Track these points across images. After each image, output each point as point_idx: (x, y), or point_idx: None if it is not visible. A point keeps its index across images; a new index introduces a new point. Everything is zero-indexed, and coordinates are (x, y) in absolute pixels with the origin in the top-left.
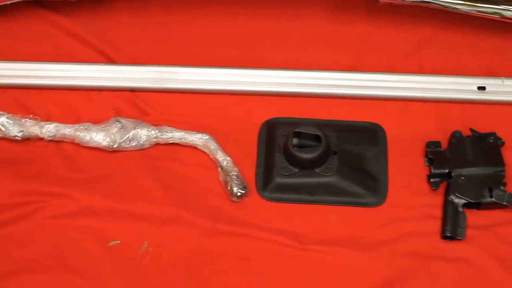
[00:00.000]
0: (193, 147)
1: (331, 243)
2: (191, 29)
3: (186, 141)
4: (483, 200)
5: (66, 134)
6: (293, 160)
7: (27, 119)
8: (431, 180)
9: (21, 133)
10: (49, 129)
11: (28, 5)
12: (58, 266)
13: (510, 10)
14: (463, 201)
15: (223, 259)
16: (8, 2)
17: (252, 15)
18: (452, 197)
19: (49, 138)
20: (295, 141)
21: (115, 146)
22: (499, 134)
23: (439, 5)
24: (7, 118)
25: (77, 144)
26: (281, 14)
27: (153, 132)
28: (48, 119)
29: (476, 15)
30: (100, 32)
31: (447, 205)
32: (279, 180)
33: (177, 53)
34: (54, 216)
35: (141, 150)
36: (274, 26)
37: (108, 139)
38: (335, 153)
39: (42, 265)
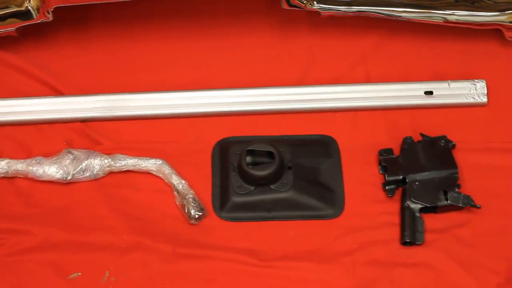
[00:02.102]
0: (147, 173)
1: (292, 258)
2: (137, 55)
3: (140, 168)
4: (439, 204)
5: (18, 170)
6: (248, 178)
7: None
8: (386, 187)
9: None
10: (1, 166)
11: None
12: None
13: (454, 14)
14: (420, 206)
15: (185, 283)
16: None
17: (195, 36)
18: (409, 202)
19: (2, 175)
20: (248, 159)
21: (69, 178)
22: (449, 137)
23: (381, 14)
24: None
25: (31, 179)
26: (225, 33)
27: (106, 161)
28: None
29: (420, 21)
30: (46, 65)
31: (404, 211)
32: (235, 199)
33: (125, 81)
34: (13, 253)
35: (96, 180)
36: (220, 46)
37: (61, 172)
38: (289, 168)
39: None
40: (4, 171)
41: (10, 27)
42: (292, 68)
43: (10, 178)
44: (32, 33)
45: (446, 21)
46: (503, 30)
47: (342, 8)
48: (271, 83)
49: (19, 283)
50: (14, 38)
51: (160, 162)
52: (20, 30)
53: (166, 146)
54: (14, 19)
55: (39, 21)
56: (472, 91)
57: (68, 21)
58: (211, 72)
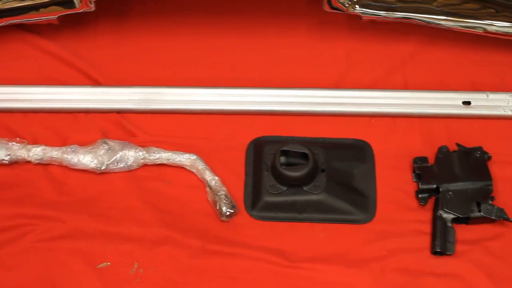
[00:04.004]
0: (181, 168)
1: (320, 260)
2: (174, 49)
3: (173, 162)
4: (472, 215)
5: (53, 157)
6: (281, 179)
7: (14, 143)
8: (419, 195)
9: (8, 157)
10: (36, 152)
11: (12, 29)
12: None
13: (494, 25)
14: (452, 216)
15: (213, 279)
16: None
17: (236, 34)
18: (441, 212)
19: (37, 161)
20: (282, 159)
21: (103, 168)
22: (485, 148)
23: (422, 21)
24: None
25: (65, 167)
26: (264, 33)
27: (140, 153)
28: (35, 142)
29: (460, 30)
30: (85, 55)
31: (436, 220)
32: (267, 198)
33: (162, 74)
34: (43, 240)
35: (129, 172)
36: (257, 45)
37: (95, 161)
38: (323, 170)
39: None
40: (39, 157)
41: (52, 15)
42: (330, 71)
43: (44, 165)
44: (72, 22)
45: (486, 31)
46: None
47: (385, 13)
48: (308, 84)
49: (47, 270)
50: (55, 26)
51: (194, 157)
52: (61, 18)
53: (200, 142)
54: (57, 7)
55: (81, 10)
56: (510, 104)
57: (108, 12)
58: (248, 70)
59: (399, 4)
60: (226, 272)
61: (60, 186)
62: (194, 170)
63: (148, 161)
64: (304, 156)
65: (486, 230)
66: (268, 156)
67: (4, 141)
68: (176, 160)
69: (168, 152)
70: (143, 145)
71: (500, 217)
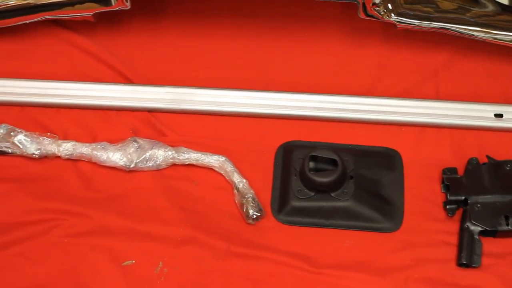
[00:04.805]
0: (209, 169)
1: (345, 267)
2: (209, 50)
3: (202, 163)
4: (499, 228)
5: (83, 153)
6: (309, 184)
7: (45, 137)
8: (447, 206)
9: (39, 151)
10: (66, 148)
11: (47, 24)
12: (72, 285)
13: None
14: (479, 228)
15: (237, 281)
16: (27, 21)
17: (269, 38)
18: (468, 224)
19: (66, 157)
20: (311, 164)
21: (131, 166)
22: None
23: (456, 31)
24: (25, 136)
25: (94, 163)
26: (298, 37)
27: (169, 153)
28: (66, 137)
29: (493, 42)
30: (118, 53)
31: (463, 232)
32: (294, 203)
33: (195, 75)
34: (69, 235)
35: (158, 171)
36: (291, 49)
37: (125, 159)
38: (351, 177)
39: (55, 284)
40: (69, 153)
41: (87, 12)
42: (361, 78)
43: (74, 161)
44: (107, 20)
45: None
46: None
47: (421, 22)
48: (338, 90)
49: (72, 265)
50: (90, 23)
51: (223, 159)
52: (96, 15)
53: (230, 144)
54: (92, 4)
55: (117, 8)
56: None
57: (143, 10)
58: (280, 74)
59: (437, 14)
60: (250, 275)
61: (88, 182)
62: (222, 172)
63: (177, 161)
64: (333, 162)
65: None
66: (297, 160)
67: (35, 136)
68: (205, 161)
69: (197, 153)
70: (172, 144)
71: None
